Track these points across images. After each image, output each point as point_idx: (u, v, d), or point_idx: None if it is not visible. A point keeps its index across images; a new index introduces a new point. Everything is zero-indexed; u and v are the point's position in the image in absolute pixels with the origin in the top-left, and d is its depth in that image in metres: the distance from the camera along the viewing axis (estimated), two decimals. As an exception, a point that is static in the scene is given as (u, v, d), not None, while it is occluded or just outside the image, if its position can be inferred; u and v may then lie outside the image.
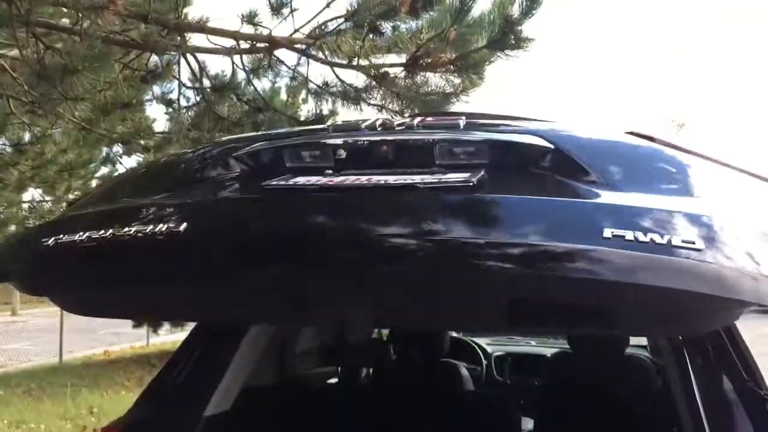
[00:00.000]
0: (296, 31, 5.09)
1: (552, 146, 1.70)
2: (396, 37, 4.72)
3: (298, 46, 5.08)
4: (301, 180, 1.66)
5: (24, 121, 6.92)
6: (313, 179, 1.66)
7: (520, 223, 1.49)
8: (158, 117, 7.66)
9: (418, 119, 1.88)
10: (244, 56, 5.49)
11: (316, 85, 5.46)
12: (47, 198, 10.32)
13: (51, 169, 8.15)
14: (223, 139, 2.39)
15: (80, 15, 4.39)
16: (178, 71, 5.84)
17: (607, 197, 1.55)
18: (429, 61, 4.53)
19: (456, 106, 5.02)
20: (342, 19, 4.75)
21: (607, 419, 3.12)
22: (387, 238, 1.51)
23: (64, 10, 4.89)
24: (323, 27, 4.91)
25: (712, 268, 1.36)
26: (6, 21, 4.34)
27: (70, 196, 9.67)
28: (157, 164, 2.39)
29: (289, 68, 5.39)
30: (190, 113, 6.16)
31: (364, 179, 1.63)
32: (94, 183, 10.68)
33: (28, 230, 2.18)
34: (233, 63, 5.53)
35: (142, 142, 7.37)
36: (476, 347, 5.46)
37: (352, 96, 5.23)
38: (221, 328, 3.02)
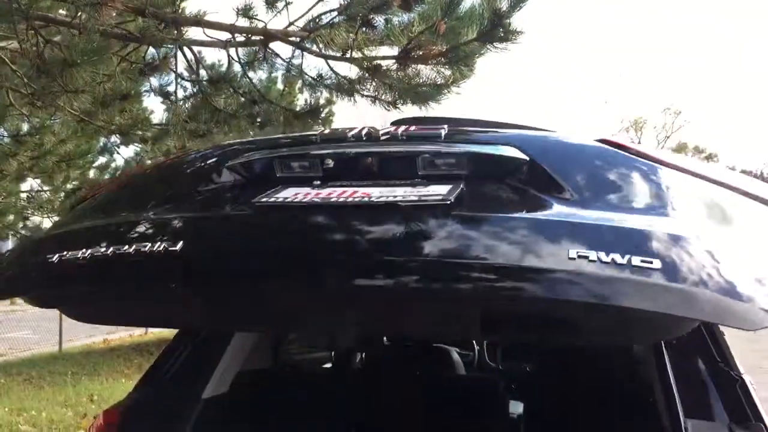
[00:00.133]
0: (291, 24, 5.15)
1: (527, 158, 1.78)
2: (388, 30, 4.79)
3: (292, 39, 5.15)
4: (288, 196, 1.73)
5: (23, 112, 6.98)
6: (300, 194, 1.74)
7: (492, 243, 1.56)
8: (157, 109, 7.75)
9: (402, 128, 1.95)
10: (240, 49, 5.58)
11: (311, 77, 5.55)
12: (45, 188, 10.37)
13: (49, 160, 8.21)
14: (216, 146, 2.48)
15: (79, 10, 4.46)
16: (175, 64, 5.93)
17: (576, 215, 1.62)
18: (420, 53, 4.62)
19: (447, 98, 5.12)
20: (335, 13, 4.84)
21: (592, 399, 3.23)
22: (368, 254, 1.60)
23: (62, 3, 4.95)
24: (317, 20, 4.98)
25: (667, 286, 1.42)
26: (6, 15, 4.42)
27: (68, 186, 9.75)
28: (148, 172, 2.45)
29: (284, 61, 5.47)
30: (187, 105, 6.25)
31: (348, 195, 1.71)
32: (92, 173, 10.77)
33: (32, 244, 2.23)
34: (229, 56, 5.61)
35: (140, 133, 7.46)
36: None
37: (346, 87, 5.32)
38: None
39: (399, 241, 1.61)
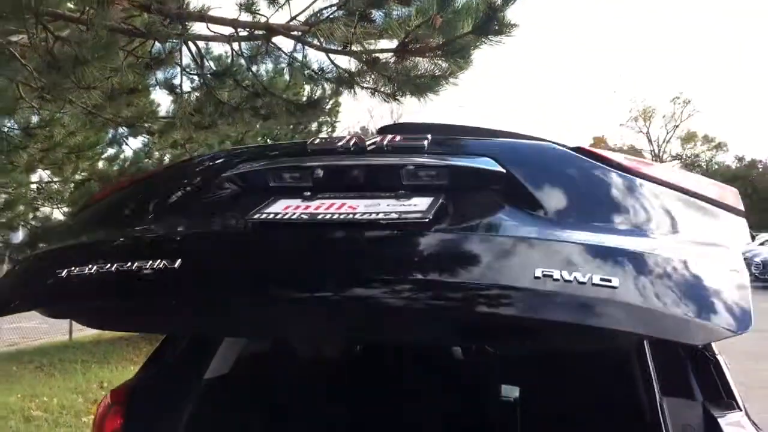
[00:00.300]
0: (293, 18, 5.28)
1: (504, 171, 1.89)
2: (387, 24, 4.91)
3: (294, 33, 5.29)
4: (279, 211, 1.85)
5: (33, 105, 7.12)
6: (291, 208, 1.86)
7: (464, 262, 1.69)
8: (164, 101, 7.88)
9: (387, 138, 2.06)
10: (243, 43, 5.71)
11: (313, 70, 5.67)
12: (55, 179, 10.51)
13: (59, 152, 8.36)
14: (211, 155, 2.62)
15: (86, 5, 4.59)
16: (180, 58, 6.05)
17: (546, 232, 1.73)
18: (418, 46, 4.75)
19: (446, 89, 5.23)
20: (335, 7, 4.96)
21: (575, 379, 3.33)
22: (351, 271, 1.73)
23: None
24: (318, 15, 5.11)
25: (624, 305, 1.51)
26: (17, 11, 4.55)
27: (77, 177, 9.90)
28: (144, 182, 2.57)
29: (286, 54, 5.59)
30: (192, 98, 6.38)
31: (336, 208, 1.83)
32: (101, 164, 10.91)
33: (37, 258, 2.35)
34: (233, 50, 5.74)
35: (147, 125, 7.60)
36: None
37: (347, 80, 5.44)
38: None
39: (380, 258, 1.75)
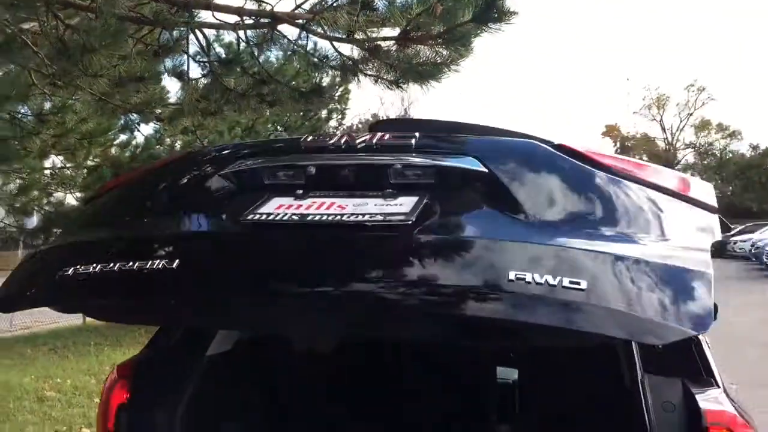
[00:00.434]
0: (297, 7, 5.37)
1: (486, 171, 1.99)
2: (389, 12, 4.98)
3: (298, 21, 5.36)
4: (272, 211, 1.97)
5: (45, 92, 7.25)
6: (284, 207, 1.98)
7: (444, 264, 1.81)
8: (173, 89, 7.99)
9: (377, 136, 2.17)
10: (249, 31, 5.80)
11: (317, 57, 5.76)
12: (68, 165, 10.63)
13: (71, 138, 8.49)
14: (208, 150, 2.75)
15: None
16: (187, 45, 6.15)
17: (523, 234, 1.84)
18: (419, 34, 4.83)
19: (448, 76, 5.31)
20: (338, -5, 5.05)
21: (562, 360, 3.41)
22: (340, 271, 1.84)
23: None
24: (322, 2, 5.20)
25: (590, 307, 1.60)
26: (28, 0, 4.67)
27: (90, 163, 10.03)
28: (142, 179, 2.68)
29: (291, 42, 5.68)
30: (199, 85, 6.48)
31: (326, 207, 1.95)
32: (113, 150, 11.04)
33: (44, 257, 2.45)
34: (238, 37, 5.84)
35: (158, 111, 7.71)
36: None
37: (350, 68, 5.52)
38: None
39: (365, 259, 1.86)
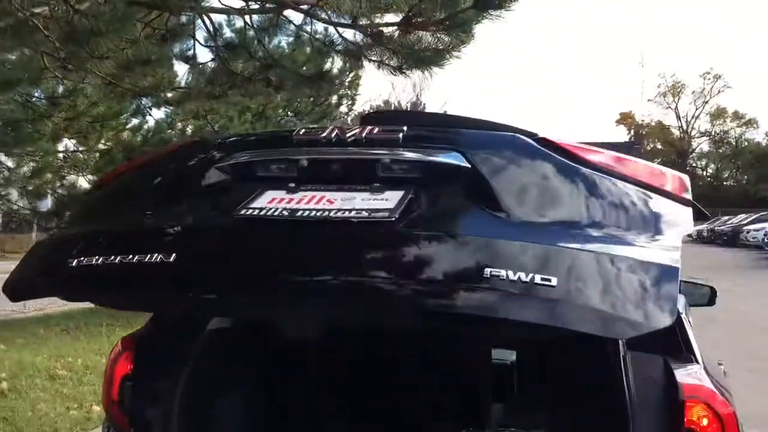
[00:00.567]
0: (302, -8, 5.46)
1: (469, 166, 2.06)
2: (393, -3, 5.05)
3: (303, 6, 5.43)
4: (264, 206, 2.06)
5: (57, 75, 7.35)
6: (276, 200, 2.07)
7: (425, 260, 1.89)
8: (182, 73, 8.06)
9: (366, 130, 2.24)
10: (255, 16, 5.87)
11: (322, 42, 5.84)
12: (80, 148, 10.75)
13: (83, 121, 8.60)
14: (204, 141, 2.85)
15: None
16: (193, 30, 6.23)
17: (501, 231, 1.90)
18: (421, 20, 4.90)
19: (450, 63, 5.38)
20: (342, -19, 5.10)
21: (546, 333, 3.46)
22: (326, 267, 1.92)
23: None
24: (327, -12, 5.26)
25: (559, 303, 1.68)
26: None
27: (101, 146, 10.15)
28: (136, 172, 2.76)
29: (297, 27, 5.75)
30: (207, 68, 6.57)
31: (316, 201, 2.04)
32: (125, 134, 11.16)
33: (46, 250, 2.53)
34: (245, 22, 5.92)
35: (163, 95, 7.80)
36: None
37: (354, 53, 5.59)
38: None
39: (351, 255, 1.95)
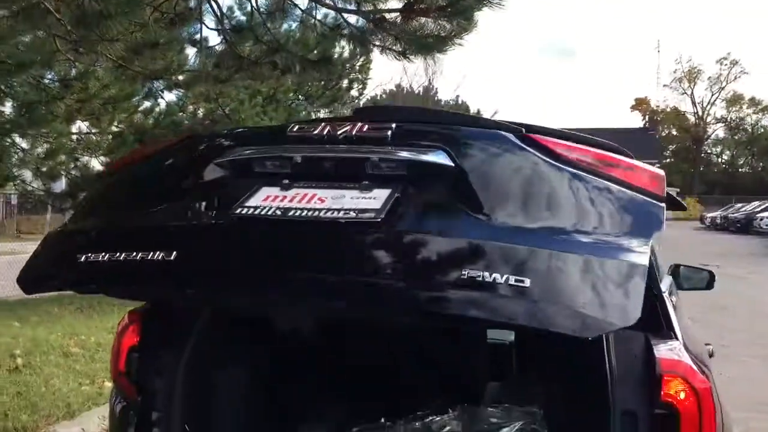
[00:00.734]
0: (308, -23, 5.54)
1: (453, 165, 2.15)
2: (396, -17, 5.13)
3: (308, -9, 5.53)
4: (258, 204, 2.17)
5: (69, 58, 7.45)
6: (270, 198, 2.18)
7: (407, 260, 2.00)
8: (191, 56, 8.16)
9: (356, 128, 2.33)
10: (261, 0, 5.97)
11: (327, 26, 5.92)
12: (93, 130, 10.86)
13: (95, 103, 8.72)
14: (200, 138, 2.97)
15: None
16: (200, 13, 6.31)
17: (480, 232, 1.98)
18: (422, 6, 4.97)
19: (453, 49, 5.44)
20: (346, -34, 5.19)
21: None
22: (314, 265, 2.05)
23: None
24: (331, -28, 5.35)
25: (530, 303, 1.76)
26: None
27: (113, 128, 10.26)
28: (129, 168, 2.87)
29: (303, 11, 5.83)
30: (214, 52, 6.66)
31: (308, 199, 2.15)
32: (137, 116, 11.27)
33: (53, 244, 2.62)
34: (252, 6, 6.01)
35: (181, 78, 7.90)
36: None
37: (358, 38, 5.67)
38: None
39: (336, 254, 2.07)
